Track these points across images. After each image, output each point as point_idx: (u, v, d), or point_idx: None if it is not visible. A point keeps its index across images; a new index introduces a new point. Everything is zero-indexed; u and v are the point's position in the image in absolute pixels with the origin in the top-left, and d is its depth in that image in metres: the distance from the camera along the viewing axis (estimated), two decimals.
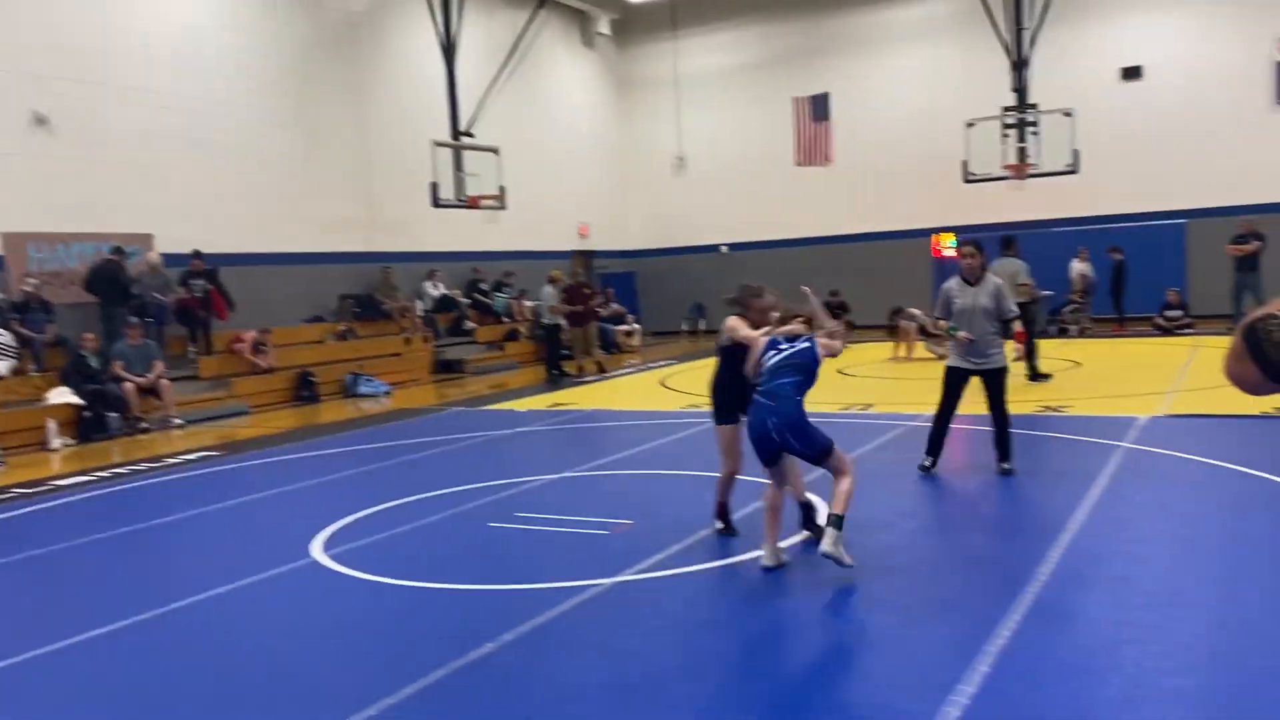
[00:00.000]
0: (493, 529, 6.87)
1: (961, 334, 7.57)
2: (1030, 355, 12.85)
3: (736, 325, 5.99)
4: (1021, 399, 8.01)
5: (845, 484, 5.39)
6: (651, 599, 5.23)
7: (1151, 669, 4.00)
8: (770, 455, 5.53)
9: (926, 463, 7.88)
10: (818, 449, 5.42)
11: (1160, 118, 21.37)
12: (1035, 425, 9.47)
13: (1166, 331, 19.06)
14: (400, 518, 7.31)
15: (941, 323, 7.80)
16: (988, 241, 9.27)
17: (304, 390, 16.09)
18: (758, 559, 5.67)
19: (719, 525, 6.41)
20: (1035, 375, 12.82)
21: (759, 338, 5.77)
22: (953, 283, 7.74)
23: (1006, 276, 12.47)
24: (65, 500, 8.96)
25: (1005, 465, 7.75)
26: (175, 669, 4.66)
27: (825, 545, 5.23)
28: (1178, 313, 19.33)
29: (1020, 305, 12.42)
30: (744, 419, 5.90)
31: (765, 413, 5.48)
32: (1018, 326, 7.85)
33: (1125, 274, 20.25)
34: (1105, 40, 21.91)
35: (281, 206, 17.71)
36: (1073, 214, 21.99)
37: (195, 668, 4.65)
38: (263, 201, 17.35)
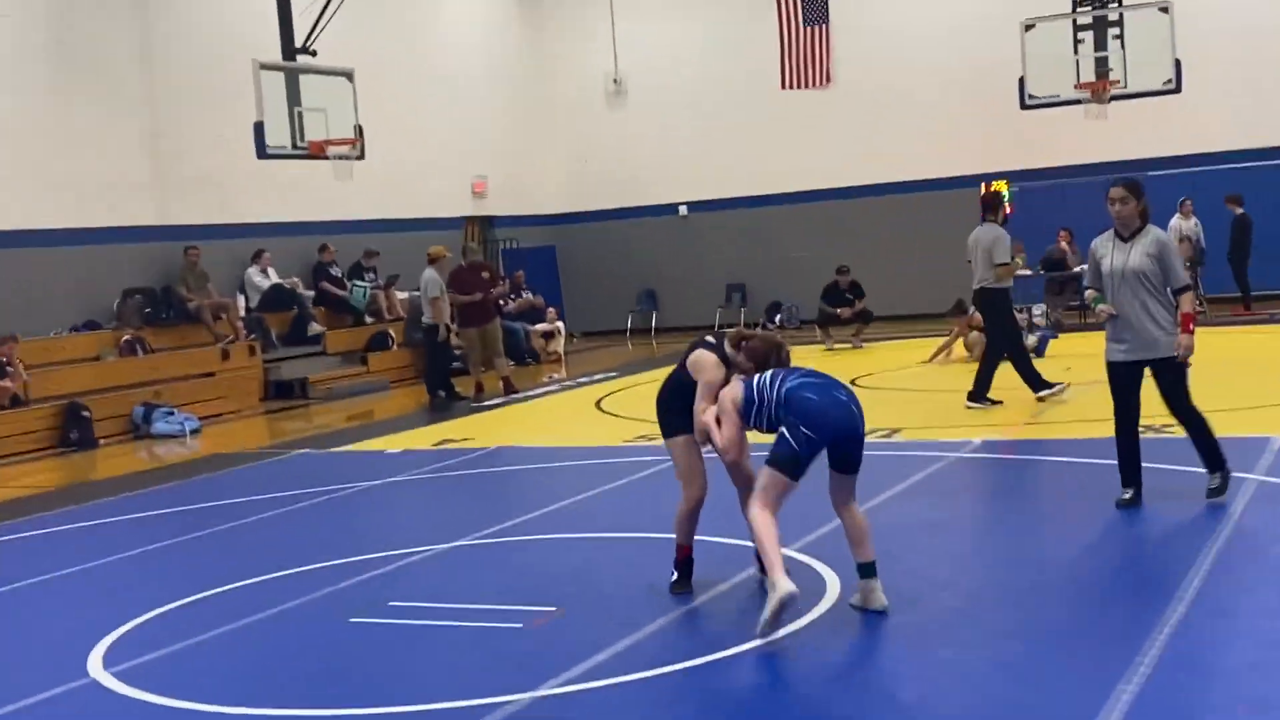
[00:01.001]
0: (356, 626, 6.82)
1: (1103, 307, 7.95)
2: (987, 371, 12.82)
3: (710, 379, 6.34)
4: (1105, 416, 8.20)
5: (865, 520, 6.16)
6: None
7: None
8: (856, 442, 6.03)
9: (1125, 496, 8.05)
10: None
11: None
12: None
13: None
14: (219, 614, 7.22)
15: (1089, 292, 8.27)
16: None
17: (73, 430, 15.83)
18: (749, 650, 5.70)
19: (674, 576, 6.77)
20: (974, 395, 12.73)
21: (734, 395, 6.11)
22: (1101, 238, 8.14)
23: (982, 250, 12.65)
24: None
25: (1212, 484, 7.97)
26: None
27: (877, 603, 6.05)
28: None
29: (992, 293, 12.60)
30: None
31: (831, 390, 6.03)
32: (1185, 305, 7.90)
33: (1249, 233, 20.64)
34: None
35: (30, 167, 17.43)
36: (1174, 151, 22.38)
37: None
38: (3, 162, 17.08)
